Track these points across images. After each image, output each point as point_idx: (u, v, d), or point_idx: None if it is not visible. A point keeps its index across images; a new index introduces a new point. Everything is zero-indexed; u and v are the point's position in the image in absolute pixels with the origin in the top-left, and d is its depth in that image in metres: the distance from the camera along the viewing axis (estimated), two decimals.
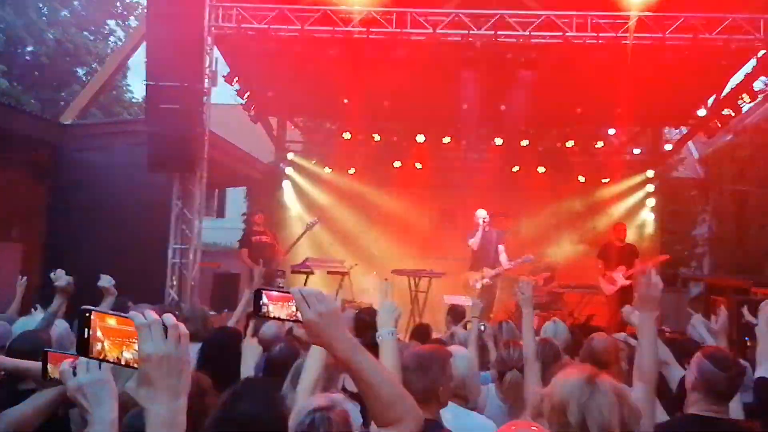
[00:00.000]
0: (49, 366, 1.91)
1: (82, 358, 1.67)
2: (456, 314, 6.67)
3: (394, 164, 12.98)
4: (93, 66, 22.10)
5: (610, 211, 12.72)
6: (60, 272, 4.43)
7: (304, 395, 2.56)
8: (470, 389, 3.38)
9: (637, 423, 1.89)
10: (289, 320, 1.66)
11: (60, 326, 4.30)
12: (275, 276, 9.92)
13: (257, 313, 1.66)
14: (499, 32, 8.72)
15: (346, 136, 12.94)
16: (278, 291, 1.66)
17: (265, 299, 1.65)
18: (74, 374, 1.68)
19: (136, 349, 1.30)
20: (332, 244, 11.20)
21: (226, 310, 9.17)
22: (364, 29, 8.70)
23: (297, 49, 9.12)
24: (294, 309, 1.61)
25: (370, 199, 13.01)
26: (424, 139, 12.72)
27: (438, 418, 2.84)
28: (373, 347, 2.07)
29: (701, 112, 11.73)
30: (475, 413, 3.36)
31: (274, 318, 1.68)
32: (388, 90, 11.19)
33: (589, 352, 4.03)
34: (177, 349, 1.28)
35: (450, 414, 2.99)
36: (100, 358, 1.38)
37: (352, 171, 12.97)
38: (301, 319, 1.59)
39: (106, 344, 1.36)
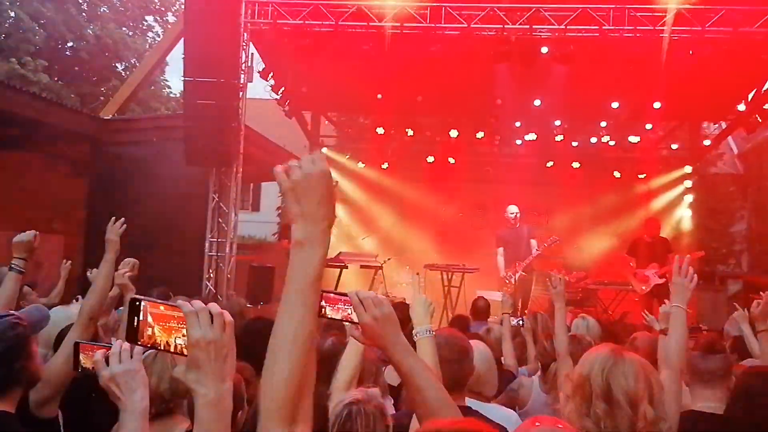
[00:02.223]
0: (81, 356, 1.96)
1: (115, 348, 1.75)
2: (477, 310, 6.58)
3: (427, 159, 12.98)
4: (132, 61, 22.48)
5: (646, 207, 12.52)
6: (96, 270, 4.58)
7: (339, 391, 2.60)
8: (486, 384, 3.37)
9: (662, 399, 1.84)
10: (345, 321, 1.71)
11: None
12: None
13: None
14: (534, 26, 8.66)
15: (380, 131, 12.97)
16: (335, 293, 1.70)
17: (322, 300, 1.68)
18: (108, 364, 1.75)
19: (184, 334, 1.35)
20: (365, 239, 11.25)
21: (262, 303, 9.31)
22: (398, 24, 8.72)
23: (331, 44, 9.17)
24: (350, 311, 1.67)
25: (403, 193, 13.03)
26: (457, 134, 12.69)
27: (466, 404, 2.86)
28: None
29: (741, 107, 11.49)
30: (497, 405, 3.37)
31: (330, 318, 1.73)
32: (421, 85, 11.19)
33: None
34: (223, 335, 1.33)
35: (472, 407, 3.00)
36: (150, 343, 1.44)
37: (385, 166, 13.00)
38: (357, 321, 1.64)
39: (156, 330, 1.41)
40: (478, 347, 3.47)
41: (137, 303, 1.43)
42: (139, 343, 1.44)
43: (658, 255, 9.54)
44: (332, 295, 1.71)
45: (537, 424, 1.71)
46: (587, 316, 5.21)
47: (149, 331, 1.42)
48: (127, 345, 1.80)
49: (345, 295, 1.69)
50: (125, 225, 3.46)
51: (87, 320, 3.02)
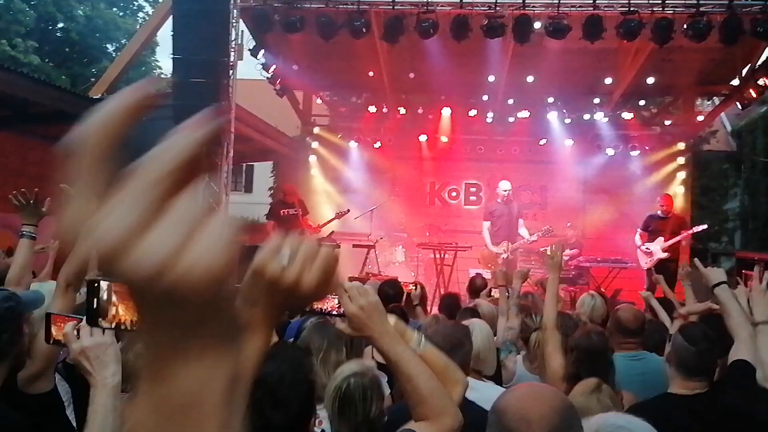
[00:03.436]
0: (53, 328, 1.90)
1: (85, 322, 1.70)
2: (474, 288, 6.56)
3: (419, 138, 12.93)
4: (122, 42, 22.26)
5: (639, 184, 12.51)
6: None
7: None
8: (486, 362, 3.37)
9: None
10: (331, 313, 1.68)
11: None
12: None
13: None
14: (527, 1, 8.60)
15: (372, 109, 12.91)
16: None
17: None
18: (78, 337, 1.71)
19: None
20: (358, 218, 11.22)
21: None
22: (390, 0, 8.63)
23: (322, 21, 9.09)
24: (336, 302, 1.65)
25: (396, 172, 13.00)
26: (450, 112, 12.64)
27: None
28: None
29: (735, 82, 11.45)
30: (494, 384, 3.36)
31: (317, 311, 1.70)
32: (413, 62, 11.12)
33: (615, 322, 4.02)
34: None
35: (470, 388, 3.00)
36: (115, 323, 1.40)
37: (377, 145, 12.95)
38: (342, 313, 1.62)
39: (120, 309, 1.39)
40: (479, 326, 3.46)
41: (95, 284, 1.40)
42: (102, 323, 1.41)
43: (668, 231, 9.59)
44: None
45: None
46: (596, 295, 5.16)
47: (113, 311, 1.40)
48: None
49: None
50: None
51: (64, 288, 2.94)
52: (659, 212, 9.79)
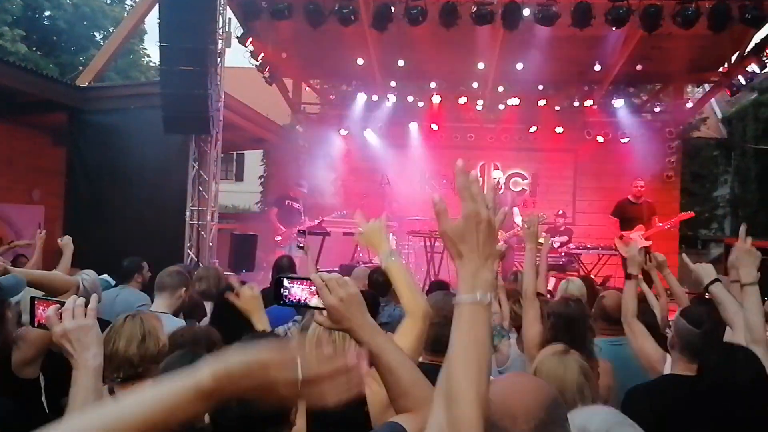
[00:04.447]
0: (38, 312, 1.93)
1: (68, 304, 1.75)
2: None
3: (409, 125, 12.91)
4: (110, 30, 22.07)
5: (629, 171, 12.53)
6: (66, 238, 4.68)
7: None
8: None
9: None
10: (308, 305, 1.65)
11: (90, 277, 4.37)
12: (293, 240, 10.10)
13: (279, 301, 1.65)
14: None
15: (361, 97, 12.87)
16: (296, 278, 1.64)
17: (286, 284, 1.64)
18: (60, 320, 1.74)
19: None
20: (348, 206, 11.19)
21: (245, 270, 9.29)
22: None
23: (310, 9, 9.04)
24: (314, 294, 1.62)
25: (386, 160, 12.98)
26: (439, 99, 12.62)
27: None
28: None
29: (724, 69, 11.47)
30: None
31: (297, 304, 1.68)
32: (402, 50, 11.09)
33: (600, 309, 4.04)
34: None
35: None
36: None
37: (367, 132, 12.92)
38: (321, 306, 1.60)
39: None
40: None
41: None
42: None
43: (643, 218, 9.69)
44: (296, 279, 1.65)
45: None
46: (574, 279, 5.19)
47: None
48: (81, 300, 1.78)
49: (307, 278, 1.63)
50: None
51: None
52: (630, 197, 9.85)
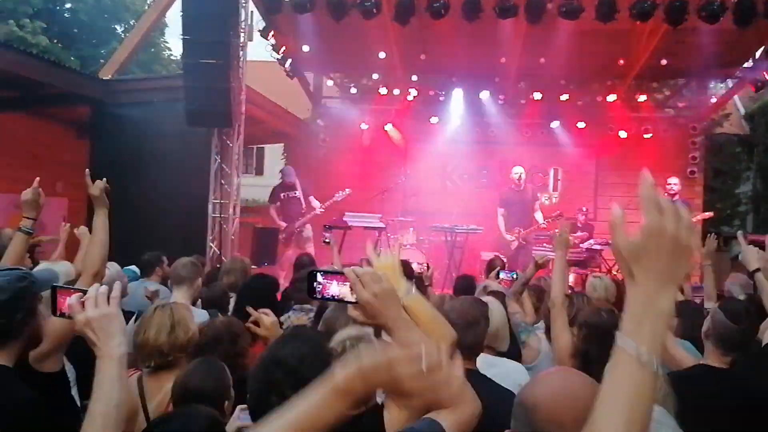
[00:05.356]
0: (59, 301, 1.89)
1: (91, 292, 1.73)
2: (492, 269, 6.53)
3: (430, 120, 12.85)
4: (131, 22, 22.21)
5: (651, 167, 12.39)
6: (83, 228, 4.77)
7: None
8: (500, 340, 3.41)
9: None
10: (343, 300, 1.64)
11: (112, 269, 4.40)
12: (298, 233, 10.05)
13: (311, 295, 1.65)
14: None
15: (383, 91, 12.83)
16: (330, 272, 1.64)
17: (320, 279, 1.63)
18: (83, 309, 1.72)
19: None
20: (369, 200, 11.17)
21: (266, 264, 9.32)
22: None
23: (333, 2, 9.00)
24: (349, 289, 1.61)
25: (407, 154, 12.95)
26: (461, 93, 12.54)
27: (476, 367, 2.88)
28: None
29: (748, 64, 11.30)
30: (506, 359, 3.40)
31: (330, 299, 1.67)
32: (424, 43, 11.04)
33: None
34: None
35: (484, 362, 3.01)
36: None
37: (388, 126, 12.89)
38: (355, 300, 1.59)
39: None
40: (494, 304, 3.49)
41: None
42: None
43: None
44: (330, 273, 1.64)
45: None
46: (603, 276, 5.13)
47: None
48: (104, 288, 1.76)
49: (341, 273, 1.61)
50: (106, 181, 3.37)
51: (91, 277, 2.96)
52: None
